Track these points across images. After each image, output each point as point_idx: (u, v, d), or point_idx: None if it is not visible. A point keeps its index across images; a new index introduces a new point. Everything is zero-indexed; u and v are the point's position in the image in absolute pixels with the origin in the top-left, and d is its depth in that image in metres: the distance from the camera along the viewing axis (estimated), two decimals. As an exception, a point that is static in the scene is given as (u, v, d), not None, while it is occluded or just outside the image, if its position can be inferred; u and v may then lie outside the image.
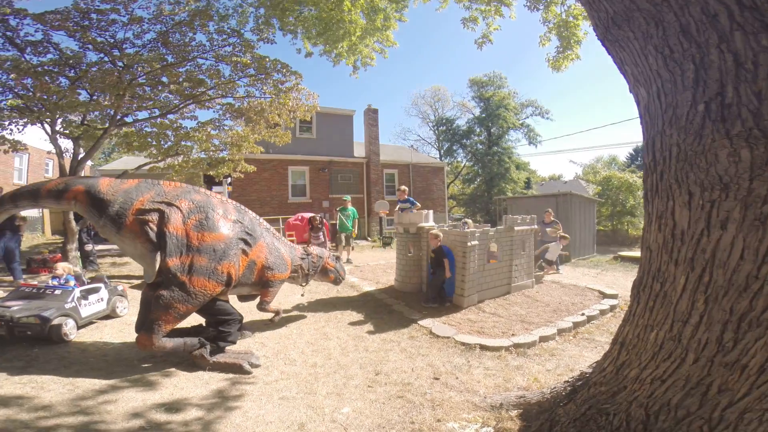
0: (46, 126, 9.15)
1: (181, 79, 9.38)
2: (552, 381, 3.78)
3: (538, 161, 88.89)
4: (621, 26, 2.13)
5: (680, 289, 2.07)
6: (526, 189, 36.75)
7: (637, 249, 13.47)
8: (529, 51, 77.88)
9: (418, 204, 8.25)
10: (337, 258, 6.29)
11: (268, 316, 5.51)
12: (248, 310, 5.46)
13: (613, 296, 6.96)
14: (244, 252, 4.53)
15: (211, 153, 11.82)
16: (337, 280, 6.20)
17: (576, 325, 5.54)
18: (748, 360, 1.84)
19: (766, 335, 1.77)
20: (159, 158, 11.11)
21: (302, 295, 6.73)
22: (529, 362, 4.39)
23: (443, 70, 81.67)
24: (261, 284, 4.90)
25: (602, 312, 6.15)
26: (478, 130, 36.77)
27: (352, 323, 5.77)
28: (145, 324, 4.04)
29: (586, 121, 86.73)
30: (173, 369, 4.14)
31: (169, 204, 4.17)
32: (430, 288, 6.56)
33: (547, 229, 9.92)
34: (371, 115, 19.83)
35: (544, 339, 5.03)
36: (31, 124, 9.02)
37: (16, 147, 9.21)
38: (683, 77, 1.89)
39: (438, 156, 39.94)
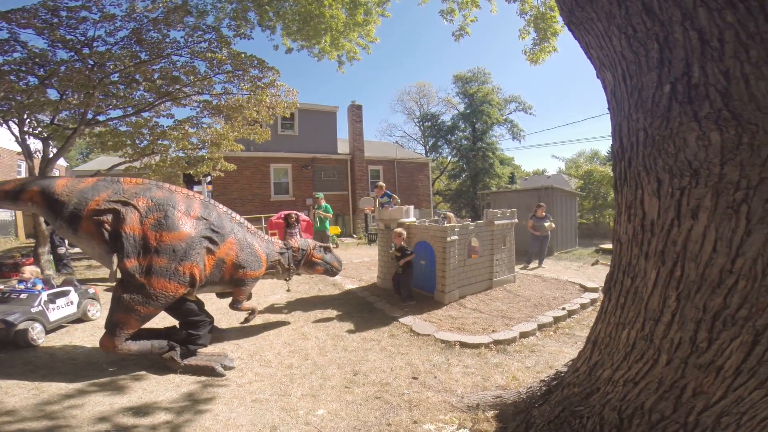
0: (13, 126, 8.84)
1: (155, 77, 9.13)
2: (531, 379, 3.72)
3: (522, 156, 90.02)
4: (584, 7, 2.03)
5: (651, 285, 1.96)
6: (510, 184, 36.93)
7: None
8: (512, 46, 78.45)
9: (396, 197, 8.10)
10: (326, 249, 5.91)
11: (243, 315, 5.30)
12: (225, 311, 5.31)
13: (594, 290, 6.95)
14: (210, 251, 4.32)
15: (189, 152, 11.58)
16: (329, 272, 5.84)
17: (556, 320, 5.50)
18: (724, 361, 1.74)
19: (741, 335, 1.66)
20: (135, 157, 10.82)
21: (288, 290, 6.60)
22: (508, 359, 4.33)
23: (428, 67, 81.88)
24: (233, 282, 4.68)
25: (583, 306, 6.13)
26: (462, 125, 36.83)
27: (332, 322, 5.66)
28: (108, 326, 3.90)
29: (568, 116, 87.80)
30: (144, 372, 4.04)
31: (126, 203, 3.99)
32: (402, 287, 6.47)
33: (545, 224, 9.85)
34: (355, 111, 19.63)
35: (524, 335, 4.97)
36: (-2, 125, 8.72)
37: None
38: (648, 57, 1.78)
39: (423, 152, 39.97)
